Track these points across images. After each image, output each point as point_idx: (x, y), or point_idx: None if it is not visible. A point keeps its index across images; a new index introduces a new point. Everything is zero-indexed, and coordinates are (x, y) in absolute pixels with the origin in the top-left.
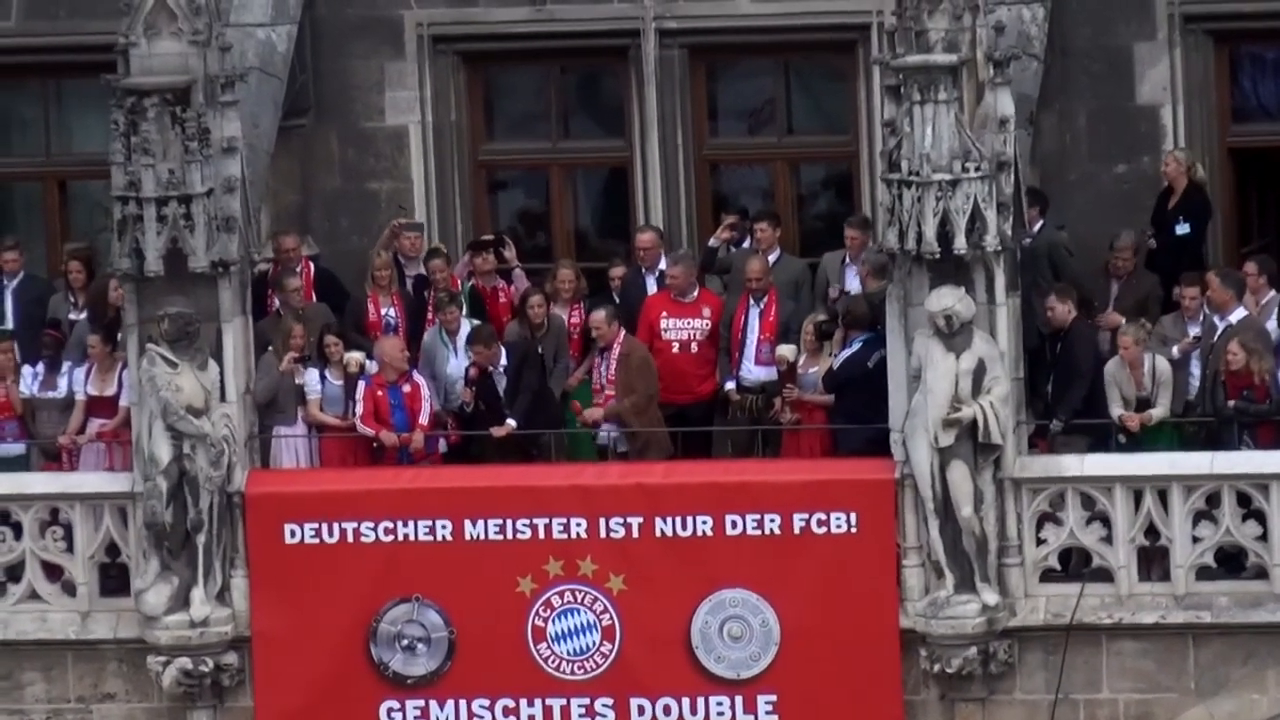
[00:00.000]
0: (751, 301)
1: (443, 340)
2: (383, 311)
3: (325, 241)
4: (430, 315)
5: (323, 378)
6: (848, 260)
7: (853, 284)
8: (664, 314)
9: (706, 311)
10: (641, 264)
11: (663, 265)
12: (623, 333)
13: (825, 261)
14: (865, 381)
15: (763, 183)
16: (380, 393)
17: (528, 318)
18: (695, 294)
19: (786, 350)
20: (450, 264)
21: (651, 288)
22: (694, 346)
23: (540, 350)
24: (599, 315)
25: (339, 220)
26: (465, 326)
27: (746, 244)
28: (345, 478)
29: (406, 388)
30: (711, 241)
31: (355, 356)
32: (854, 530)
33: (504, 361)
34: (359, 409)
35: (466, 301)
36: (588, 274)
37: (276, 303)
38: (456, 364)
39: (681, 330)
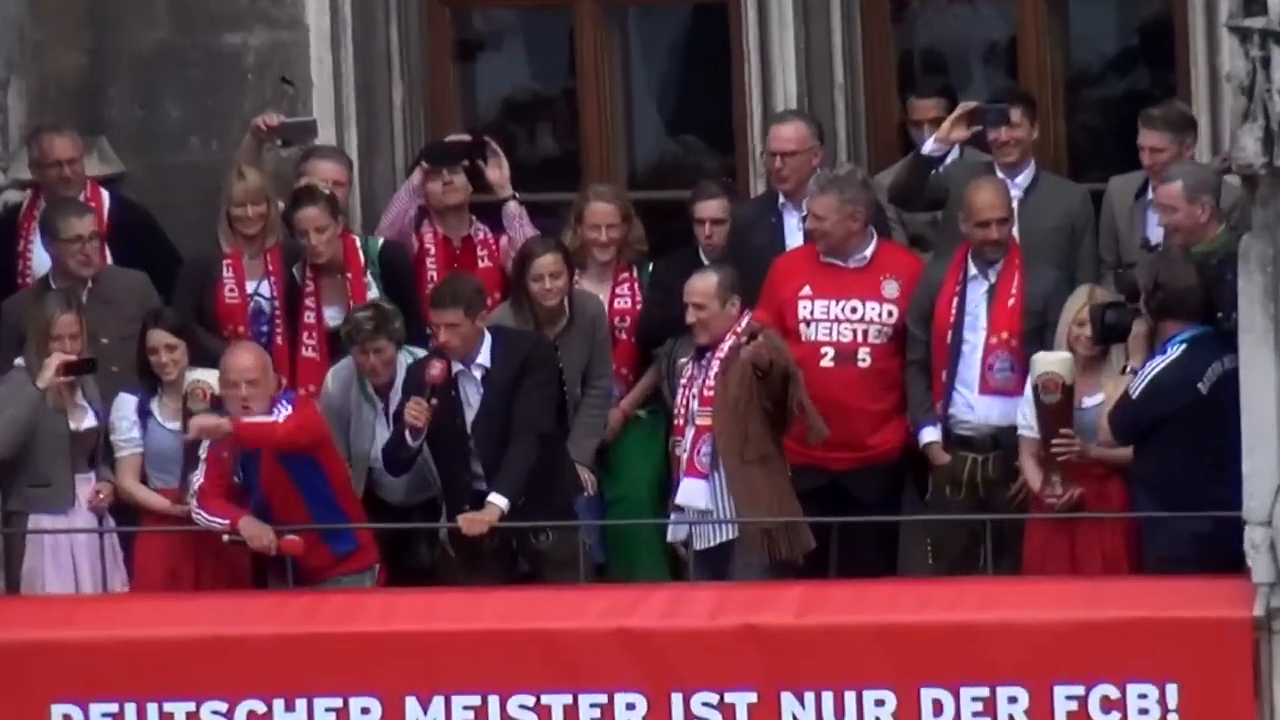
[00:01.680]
0: (974, 269)
1: (364, 395)
2: (249, 288)
3: (137, 150)
4: (306, 300)
5: (145, 414)
6: (1151, 190)
7: (1157, 233)
8: (805, 290)
9: (891, 288)
10: (779, 186)
11: None
12: (746, 318)
13: (1112, 191)
14: (1192, 420)
15: (996, 33)
16: (225, 454)
17: (529, 296)
18: (868, 252)
19: (1056, 365)
20: (335, 216)
21: (794, 234)
22: (863, 357)
23: (557, 355)
24: (705, 282)
25: (164, 107)
26: (402, 369)
27: (954, 154)
28: (174, 613)
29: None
30: (929, 145)
31: (206, 379)
32: (1173, 717)
33: (484, 354)
34: (198, 477)
35: (377, 279)
36: (651, 213)
37: (36, 263)
38: (386, 437)
39: (840, 325)
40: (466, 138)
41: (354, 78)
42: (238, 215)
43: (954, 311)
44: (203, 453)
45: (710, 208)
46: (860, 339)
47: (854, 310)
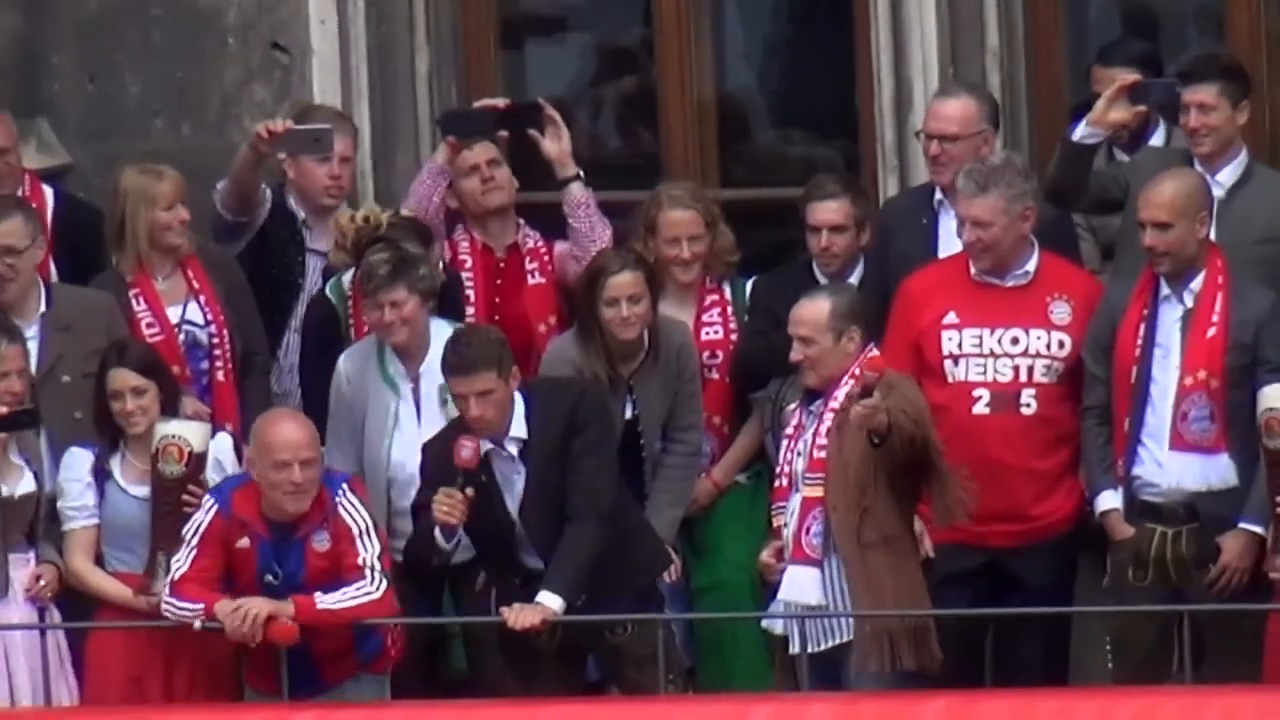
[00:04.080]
0: (1165, 288)
1: (385, 377)
2: (172, 316)
3: (86, 136)
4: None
5: (102, 474)
6: None
7: None
8: (950, 317)
9: (1060, 311)
10: (937, 179)
11: None
12: (871, 350)
13: None
14: None
15: None
16: (245, 540)
17: (601, 325)
18: (1030, 266)
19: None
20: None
21: (950, 239)
22: (1027, 401)
23: (633, 406)
24: (815, 309)
25: (120, 81)
26: (440, 338)
27: (1157, 138)
28: None
29: (320, 538)
30: (1079, 129)
31: (182, 433)
32: None
33: (518, 423)
34: (180, 563)
35: None
36: (750, 217)
37: None
38: (418, 434)
39: (997, 360)
40: (500, 102)
41: (365, 41)
42: (165, 222)
43: (1139, 344)
44: (194, 536)
45: (827, 210)
46: (1024, 378)
47: (1015, 341)
